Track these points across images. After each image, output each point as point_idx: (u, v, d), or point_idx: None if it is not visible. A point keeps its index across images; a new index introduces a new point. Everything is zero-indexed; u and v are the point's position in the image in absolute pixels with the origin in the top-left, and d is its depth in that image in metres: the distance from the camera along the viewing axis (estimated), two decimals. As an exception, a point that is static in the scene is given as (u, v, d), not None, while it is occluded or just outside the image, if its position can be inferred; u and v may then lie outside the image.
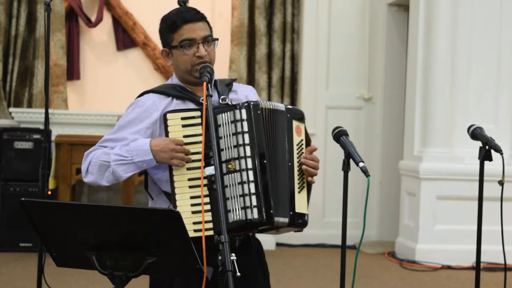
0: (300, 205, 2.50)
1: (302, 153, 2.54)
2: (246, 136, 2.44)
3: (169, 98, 2.58)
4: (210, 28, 2.62)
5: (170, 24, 2.58)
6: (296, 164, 2.51)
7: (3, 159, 6.33)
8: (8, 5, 6.81)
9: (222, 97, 2.56)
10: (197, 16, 2.58)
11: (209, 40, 2.57)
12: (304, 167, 2.51)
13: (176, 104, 2.57)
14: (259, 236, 2.67)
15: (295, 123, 2.54)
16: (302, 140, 2.55)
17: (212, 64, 2.57)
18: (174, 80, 2.65)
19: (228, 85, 2.65)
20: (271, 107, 2.51)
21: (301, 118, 2.57)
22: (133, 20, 7.14)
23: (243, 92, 2.69)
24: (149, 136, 2.54)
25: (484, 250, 3.39)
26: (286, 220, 2.45)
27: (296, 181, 2.50)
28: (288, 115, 2.53)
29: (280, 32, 7.12)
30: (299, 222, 2.49)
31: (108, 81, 7.24)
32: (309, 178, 2.53)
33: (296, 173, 2.50)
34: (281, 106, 2.53)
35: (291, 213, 2.46)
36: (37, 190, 6.16)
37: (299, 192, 2.50)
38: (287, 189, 2.48)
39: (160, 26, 2.63)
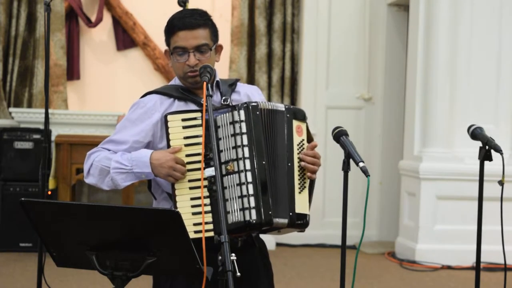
0: (301, 205, 2.49)
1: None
2: (245, 137, 2.43)
3: (171, 99, 2.58)
4: (214, 32, 2.58)
5: (169, 28, 2.58)
6: (296, 164, 2.50)
7: (3, 159, 6.33)
8: (8, 5, 6.81)
9: (224, 97, 2.56)
10: (196, 23, 2.53)
11: (202, 50, 2.54)
12: (302, 163, 2.50)
13: (178, 105, 2.57)
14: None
15: (295, 123, 2.52)
16: (303, 139, 2.54)
17: None
18: (176, 81, 2.66)
19: (231, 85, 2.64)
20: (270, 107, 2.50)
21: (302, 117, 2.55)
22: (133, 20, 7.14)
23: (246, 93, 2.69)
24: (150, 138, 2.54)
25: (484, 250, 3.39)
26: (285, 221, 2.45)
27: (297, 182, 2.49)
28: (288, 115, 2.51)
29: (280, 32, 7.12)
30: (299, 222, 2.48)
31: (108, 81, 7.24)
32: (309, 174, 2.51)
33: (296, 173, 2.49)
34: (280, 106, 2.52)
35: (290, 214, 2.45)
36: (37, 190, 6.16)
37: (299, 193, 2.49)
38: (286, 190, 2.46)
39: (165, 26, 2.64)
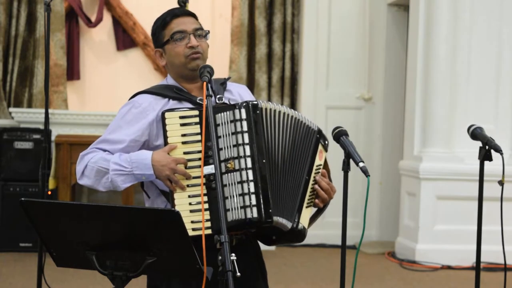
0: (304, 218, 2.53)
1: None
2: (246, 135, 2.43)
3: (165, 99, 2.57)
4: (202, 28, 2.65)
5: (161, 22, 2.61)
6: (311, 182, 2.54)
7: (3, 159, 6.33)
8: (8, 5, 6.82)
9: (218, 96, 2.56)
10: (189, 13, 2.62)
11: (200, 33, 2.59)
12: (316, 186, 2.54)
13: (173, 105, 2.56)
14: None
15: (320, 147, 2.58)
16: (321, 164, 2.59)
17: (205, 57, 2.58)
18: (169, 80, 2.64)
19: (222, 84, 2.65)
20: (302, 119, 2.54)
21: (326, 145, 2.62)
22: (133, 20, 7.14)
23: (237, 91, 2.70)
24: (146, 137, 2.53)
25: (484, 250, 3.39)
26: (289, 224, 2.47)
27: (307, 196, 2.53)
28: (318, 136, 2.57)
29: (280, 32, 7.12)
30: (300, 230, 2.51)
31: (108, 81, 7.24)
32: (316, 200, 2.56)
33: (309, 189, 2.53)
34: (314, 125, 2.58)
35: (296, 219, 2.49)
36: (37, 190, 6.16)
37: (306, 207, 2.53)
38: (297, 196, 2.50)
39: (152, 28, 2.65)
